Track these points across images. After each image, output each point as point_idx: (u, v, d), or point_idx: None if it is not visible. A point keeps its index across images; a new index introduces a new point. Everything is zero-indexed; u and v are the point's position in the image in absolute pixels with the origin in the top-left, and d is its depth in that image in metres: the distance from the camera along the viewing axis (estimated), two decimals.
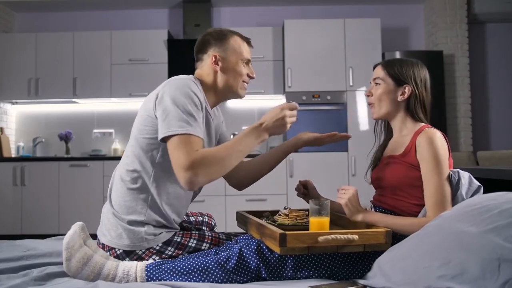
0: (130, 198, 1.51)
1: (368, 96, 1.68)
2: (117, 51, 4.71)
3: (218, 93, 1.67)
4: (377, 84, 1.65)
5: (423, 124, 1.59)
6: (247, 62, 1.68)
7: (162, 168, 1.51)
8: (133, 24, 5.09)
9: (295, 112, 1.50)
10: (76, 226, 1.47)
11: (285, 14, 5.00)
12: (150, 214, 1.51)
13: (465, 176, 1.50)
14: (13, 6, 4.95)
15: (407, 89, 1.60)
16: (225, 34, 1.66)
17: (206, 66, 1.65)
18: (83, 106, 5.03)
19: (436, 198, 1.44)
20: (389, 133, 1.74)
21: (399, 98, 1.61)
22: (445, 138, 1.51)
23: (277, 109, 1.47)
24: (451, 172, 1.48)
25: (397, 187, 1.56)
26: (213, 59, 1.62)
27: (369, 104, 1.69)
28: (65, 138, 4.79)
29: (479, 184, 1.51)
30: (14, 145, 5.00)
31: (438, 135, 1.49)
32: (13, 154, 4.94)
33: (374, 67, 1.70)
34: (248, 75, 1.68)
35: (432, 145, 1.47)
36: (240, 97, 1.70)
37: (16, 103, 5.00)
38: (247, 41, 1.70)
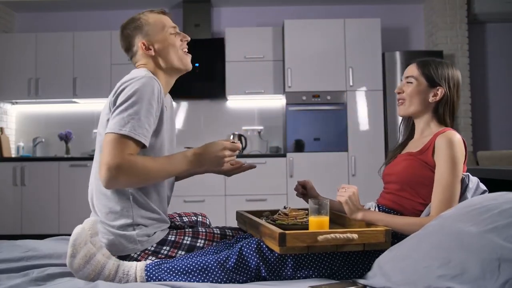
0: (113, 203, 1.49)
1: (399, 93, 1.67)
2: (117, 51, 4.70)
3: (167, 75, 1.65)
4: (408, 82, 1.64)
5: (445, 127, 1.59)
6: (174, 30, 1.66)
7: None
8: None
9: (236, 152, 1.53)
10: (85, 223, 1.46)
11: (285, 14, 4.99)
12: (138, 213, 1.50)
13: (473, 180, 1.51)
14: (13, 6, 4.95)
15: (440, 91, 1.59)
16: (137, 19, 1.63)
17: (141, 57, 1.63)
18: (83, 106, 5.03)
19: (444, 197, 1.44)
20: (412, 132, 1.73)
21: (431, 99, 1.60)
22: (464, 143, 1.51)
23: (219, 147, 1.50)
24: (463, 176, 1.48)
25: (406, 183, 1.56)
26: (143, 46, 1.60)
27: (399, 101, 1.68)
28: (65, 138, 4.79)
29: (485, 188, 1.52)
30: (14, 145, 5.00)
31: (457, 138, 1.50)
32: (13, 154, 4.94)
33: (407, 65, 1.68)
34: (181, 40, 1.66)
35: (451, 147, 1.47)
36: (188, 68, 1.68)
37: (16, 103, 5.00)
38: (162, 12, 1.67)
